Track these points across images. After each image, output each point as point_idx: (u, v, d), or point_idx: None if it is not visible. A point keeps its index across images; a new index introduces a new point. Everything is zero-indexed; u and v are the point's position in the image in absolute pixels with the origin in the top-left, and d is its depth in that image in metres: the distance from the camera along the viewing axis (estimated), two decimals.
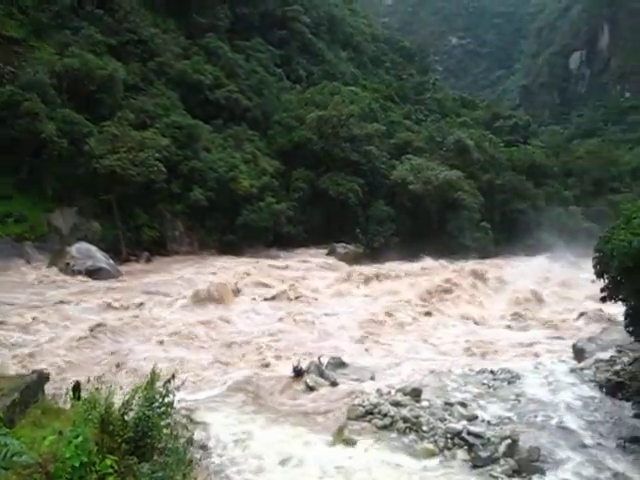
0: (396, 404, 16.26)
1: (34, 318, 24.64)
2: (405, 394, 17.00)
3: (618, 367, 19.77)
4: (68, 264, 36.12)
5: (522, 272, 42.36)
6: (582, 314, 30.55)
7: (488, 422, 15.69)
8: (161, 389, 9.34)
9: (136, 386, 9.54)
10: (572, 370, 20.72)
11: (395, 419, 15.39)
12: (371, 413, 15.81)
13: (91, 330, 23.67)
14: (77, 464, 6.34)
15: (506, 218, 70.95)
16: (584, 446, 14.80)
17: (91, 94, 48.51)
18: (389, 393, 17.37)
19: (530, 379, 19.83)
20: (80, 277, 35.05)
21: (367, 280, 39.29)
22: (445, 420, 15.40)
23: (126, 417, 8.76)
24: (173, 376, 9.69)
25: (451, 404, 16.63)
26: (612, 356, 20.77)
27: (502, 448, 13.91)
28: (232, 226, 51.01)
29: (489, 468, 13.38)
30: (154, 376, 9.62)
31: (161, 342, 23.41)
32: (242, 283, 35.72)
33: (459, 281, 38.68)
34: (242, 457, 13.55)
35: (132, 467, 7.95)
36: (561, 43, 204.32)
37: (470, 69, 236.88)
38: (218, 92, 62.41)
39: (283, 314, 29.80)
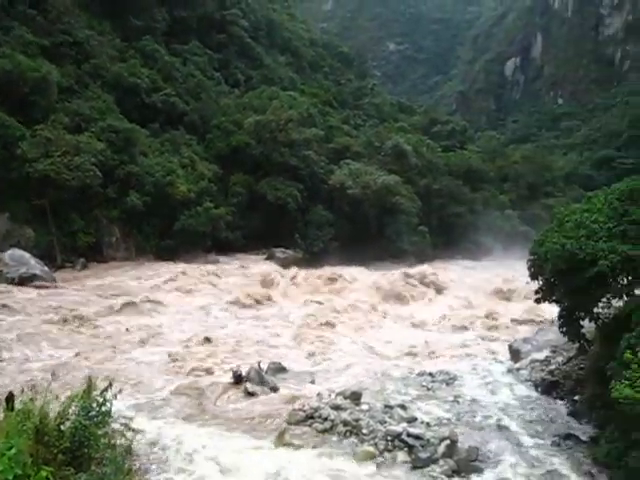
0: (336, 408, 16.32)
1: None
2: (345, 397, 17.08)
3: (552, 367, 20.34)
4: (0, 272, 35.14)
5: (460, 275, 43.05)
6: (518, 316, 31.21)
7: (427, 424, 15.88)
8: (98, 397, 9.22)
9: (72, 395, 9.39)
10: (508, 370, 21.26)
11: (335, 423, 15.47)
12: (311, 417, 15.86)
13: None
14: (10, 477, 6.22)
15: (444, 222, 71.91)
16: (521, 444, 15.16)
17: (24, 97, 47.24)
18: (329, 397, 17.43)
19: (468, 380, 20.25)
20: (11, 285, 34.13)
21: (309, 284, 39.36)
22: (385, 422, 15.54)
23: (62, 427, 8.62)
24: (110, 384, 9.58)
25: (391, 407, 16.76)
26: (547, 356, 21.35)
27: (441, 449, 14.13)
28: (170, 231, 50.38)
29: (429, 469, 13.59)
30: (90, 384, 9.50)
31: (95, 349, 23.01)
32: (173, 288, 35.53)
33: (398, 284, 39.17)
34: (181, 465, 13.42)
35: (69, 478, 7.85)
36: (496, 50, 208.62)
37: (408, 75, 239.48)
38: (155, 96, 61.67)
39: (221, 318, 29.74)
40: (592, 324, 16.38)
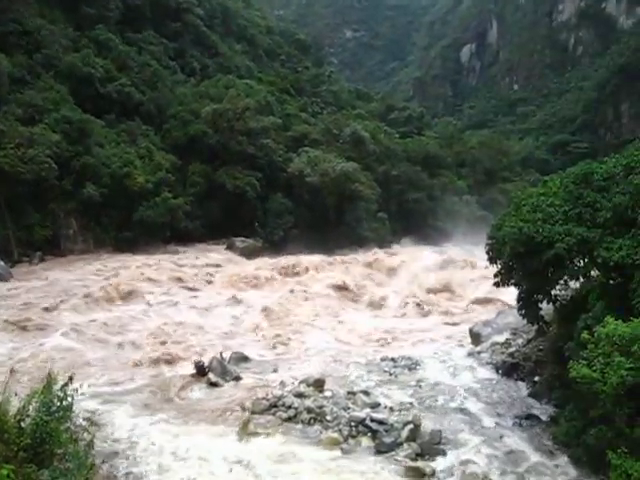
0: (300, 395, 16.48)
1: None
2: (308, 385, 17.23)
3: (513, 349, 20.70)
4: None
5: (420, 261, 43.25)
6: (478, 299, 31.56)
7: (391, 409, 16.06)
8: (59, 392, 9.10)
9: (33, 391, 9.27)
10: (469, 354, 21.54)
11: (299, 410, 15.59)
12: (275, 406, 15.97)
13: None
14: None
15: (403, 208, 72.09)
16: (483, 426, 15.48)
17: None
18: (292, 385, 17.62)
19: (430, 365, 20.48)
20: None
21: (271, 272, 39.29)
22: (348, 409, 15.71)
23: (22, 424, 8.50)
24: (71, 378, 9.46)
25: (354, 393, 16.94)
26: (507, 339, 21.68)
27: (405, 433, 14.34)
28: (128, 223, 49.75)
29: (393, 453, 13.83)
30: (51, 380, 9.36)
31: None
32: (140, 280, 35.11)
33: (357, 272, 39.26)
34: (145, 457, 13.39)
35: (31, 475, 7.76)
36: (452, 36, 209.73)
37: (365, 61, 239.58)
38: (110, 86, 60.65)
39: (182, 309, 29.50)
40: (550, 306, 16.64)
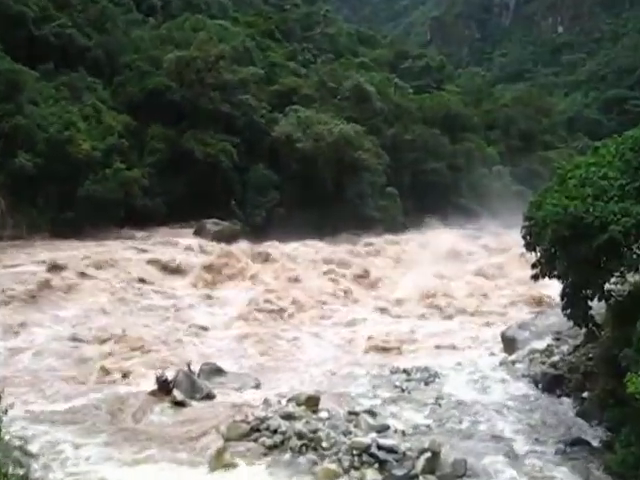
0: (288, 417, 16.41)
1: None
2: (299, 404, 17.22)
3: (556, 358, 20.69)
4: None
5: (440, 248, 43.32)
6: (513, 297, 31.63)
7: (403, 432, 16.09)
8: None
9: None
10: (501, 364, 21.61)
11: (288, 436, 15.52)
12: (258, 430, 15.91)
13: None
14: None
15: (418, 182, 72.10)
16: (518, 455, 15.41)
17: None
18: (279, 404, 17.59)
19: (452, 378, 20.57)
20: None
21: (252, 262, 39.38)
22: (350, 433, 15.64)
23: None
24: None
25: (356, 413, 16.90)
26: (548, 345, 21.72)
27: (421, 463, 14.24)
28: (70, 201, 49.52)
29: None
30: None
31: None
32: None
33: (363, 263, 39.33)
34: None
35: None
36: None
37: None
38: (46, 27, 60.28)
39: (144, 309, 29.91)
40: (603, 304, 16.61)
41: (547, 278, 17.55)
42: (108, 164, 51.49)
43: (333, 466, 14.40)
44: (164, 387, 19.17)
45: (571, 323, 17.96)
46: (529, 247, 17.58)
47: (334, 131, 61.23)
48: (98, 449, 15.72)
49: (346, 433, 15.67)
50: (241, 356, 24.22)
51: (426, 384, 19.90)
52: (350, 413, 16.97)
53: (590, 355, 19.19)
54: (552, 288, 21.08)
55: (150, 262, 38.89)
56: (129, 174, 52.12)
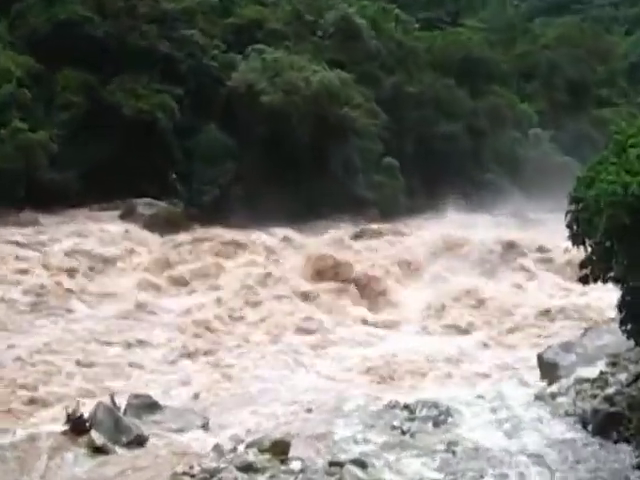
0: (247, 469, 15.52)
1: None
2: (262, 451, 16.45)
3: (611, 390, 20.06)
4: None
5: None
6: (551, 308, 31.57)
7: None
8: None
9: None
10: (538, 397, 20.96)
11: None
12: None
13: None
14: None
15: (426, 150, 70.08)
16: None
17: None
18: (235, 451, 16.83)
19: (469, 416, 19.89)
20: None
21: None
22: None
23: None
24: None
25: (341, 464, 15.94)
26: (602, 372, 21.17)
27: None
28: None
29: None
30: None
31: None
32: None
33: (352, 263, 39.21)
34: None
35: None
36: None
37: None
38: None
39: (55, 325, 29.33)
40: None
41: (600, 281, 16.95)
42: (4, 123, 50.80)
43: None
44: (79, 426, 18.40)
45: (631, 343, 17.39)
46: (576, 240, 16.87)
47: (312, 80, 60.73)
48: None
49: None
50: (182, 383, 23.96)
51: (435, 424, 19.23)
52: (332, 464, 16.06)
53: None
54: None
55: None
56: (32, 137, 51.31)
